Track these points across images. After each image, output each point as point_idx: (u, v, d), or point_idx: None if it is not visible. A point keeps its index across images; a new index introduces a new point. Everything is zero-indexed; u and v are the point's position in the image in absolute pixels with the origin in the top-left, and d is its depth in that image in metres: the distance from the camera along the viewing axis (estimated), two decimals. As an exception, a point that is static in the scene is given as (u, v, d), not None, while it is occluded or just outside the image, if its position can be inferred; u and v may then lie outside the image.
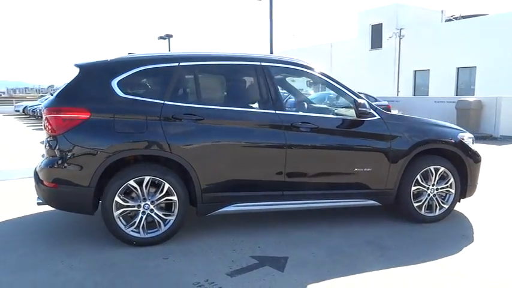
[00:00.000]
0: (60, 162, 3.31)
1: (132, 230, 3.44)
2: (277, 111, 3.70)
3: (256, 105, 3.78)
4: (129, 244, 3.44)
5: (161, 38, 34.69)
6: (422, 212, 4.14)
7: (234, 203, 3.66)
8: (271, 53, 21.80)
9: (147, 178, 3.41)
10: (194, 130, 3.50)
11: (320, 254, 3.36)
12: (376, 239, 3.71)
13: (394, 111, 14.79)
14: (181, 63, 3.63)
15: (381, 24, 28.42)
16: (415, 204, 4.11)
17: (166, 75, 3.58)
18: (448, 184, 4.19)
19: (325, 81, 4.04)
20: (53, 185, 3.35)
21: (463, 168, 4.24)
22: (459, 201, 4.48)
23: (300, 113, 3.93)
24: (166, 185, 3.45)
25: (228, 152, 3.59)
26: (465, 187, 4.28)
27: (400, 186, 4.05)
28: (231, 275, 2.96)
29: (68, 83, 3.47)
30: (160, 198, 3.46)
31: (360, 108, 3.79)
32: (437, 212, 4.19)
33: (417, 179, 4.07)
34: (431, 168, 4.11)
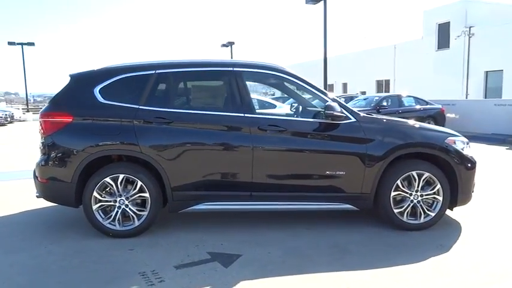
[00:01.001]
0: (49, 160, 3.78)
1: (109, 223, 3.79)
2: (245, 114, 3.84)
3: (225, 108, 3.94)
4: (106, 235, 3.80)
5: (224, 45, 35.99)
6: (405, 218, 3.98)
7: (204, 202, 3.86)
8: (325, 57, 21.61)
9: (121, 176, 3.75)
10: (163, 132, 3.77)
11: (275, 254, 3.42)
12: (344, 243, 3.66)
13: (450, 115, 13.95)
14: (157, 71, 3.94)
15: (448, 22, 26.61)
16: (396, 210, 3.97)
17: (144, 82, 3.90)
18: (435, 191, 3.98)
19: (299, 85, 4.09)
20: (45, 181, 3.83)
21: (453, 175, 3.99)
22: (451, 210, 4.22)
23: (268, 116, 4.02)
24: (139, 183, 3.76)
25: (196, 153, 3.80)
26: (456, 195, 4.03)
27: (379, 191, 3.94)
28: (178, 267, 3.16)
29: (59, 91, 3.95)
30: (134, 194, 3.78)
31: (326, 111, 3.78)
32: (422, 220, 4.00)
33: (397, 184, 3.92)
34: (414, 173, 3.93)
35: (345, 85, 36.53)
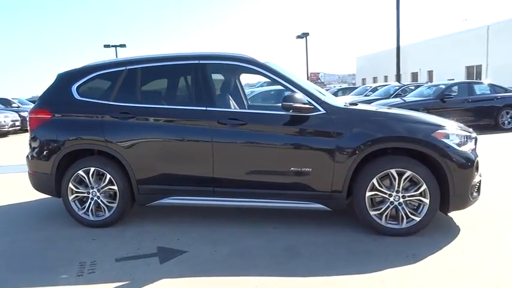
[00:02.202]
0: (33, 153, 4.11)
1: (83, 213, 4.00)
2: (207, 108, 3.73)
3: (188, 102, 3.86)
4: (82, 224, 4.02)
5: (299, 37, 35.63)
6: (383, 222, 3.53)
7: (169, 196, 3.86)
8: (398, 44, 20.17)
9: (92, 169, 3.92)
10: (127, 127, 3.84)
11: (221, 253, 3.28)
12: (301, 246, 3.37)
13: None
14: (127, 67, 4.02)
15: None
16: (373, 212, 3.53)
17: (115, 78, 4.01)
18: (419, 192, 3.45)
19: (268, 76, 3.83)
20: (32, 172, 4.18)
21: (443, 174, 3.42)
22: (445, 214, 3.63)
23: (230, 110, 3.83)
24: (108, 176, 3.90)
25: (159, 147, 3.81)
26: (447, 198, 3.45)
27: (352, 190, 3.55)
28: (119, 260, 3.21)
29: (45, 89, 4.25)
30: (104, 187, 3.93)
31: (283, 103, 3.50)
32: (405, 225, 3.50)
33: (373, 183, 3.49)
34: (393, 171, 3.45)
35: (430, 73, 33.64)
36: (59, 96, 4.11)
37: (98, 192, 3.94)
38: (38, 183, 4.17)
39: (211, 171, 3.73)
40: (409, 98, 11.88)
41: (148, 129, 3.82)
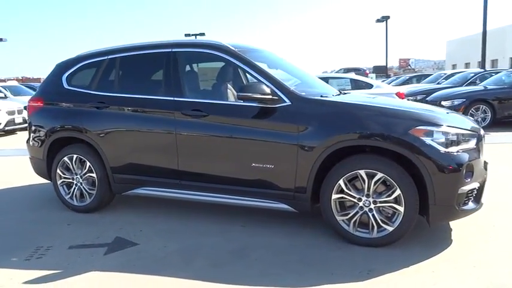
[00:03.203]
0: (30, 139, 4.38)
1: (69, 198, 4.17)
2: (175, 98, 3.61)
3: (159, 92, 3.74)
4: (68, 209, 4.20)
5: (378, 20, 33.56)
6: (351, 229, 3.10)
7: (141, 186, 3.84)
8: (484, 29, 17.94)
9: (74, 156, 4.06)
10: (102, 116, 3.88)
11: (167, 249, 3.17)
12: (253, 249, 3.11)
13: None
14: (109, 56, 4.05)
15: None
16: (340, 218, 3.13)
17: (98, 68, 4.07)
18: (392, 198, 2.96)
19: (238, 66, 3.54)
20: (31, 157, 4.47)
21: (422, 177, 2.89)
22: (429, 226, 3.07)
23: (193, 100, 3.61)
24: (88, 164, 4.01)
25: (131, 137, 3.79)
26: (427, 206, 2.91)
27: (318, 191, 3.17)
28: (72, 247, 3.27)
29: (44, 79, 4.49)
30: (85, 173, 4.05)
31: (238, 93, 3.20)
32: (375, 234, 3.04)
33: (340, 185, 3.07)
34: (362, 172, 3.00)
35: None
36: (52, 85, 4.30)
37: (81, 178, 4.08)
38: (35, 168, 4.45)
39: (176, 164, 3.62)
40: (478, 87, 10.49)
41: (120, 119, 3.83)
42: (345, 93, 4.11)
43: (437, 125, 2.92)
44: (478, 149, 3.07)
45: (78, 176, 4.08)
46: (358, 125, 3.03)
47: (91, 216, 4.01)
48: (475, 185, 2.99)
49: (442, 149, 2.85)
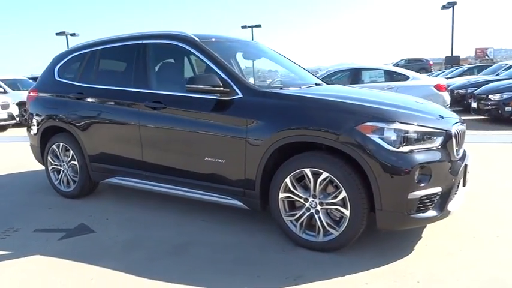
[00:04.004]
0: (28, 127, 4.68)
1: (58, 183, 4.41)
2: (141, 90, 3.62)
3: (129, 83, 3.74)
4: (58, 193, 4.43)
5: (444, 7, 31.24)
6: (298, 231, 2.91)
7: (115, 175, 3.94)
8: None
9: (61, 144, 4.27)
10: (80, 107, 4.02)
11: (117, 239, 3.20)
12: (195, 245, 3.04)
13: None
14: (92, 49, 4.17)
15: None
16: (287, 218, 2.95)
17: (82, 60, 4.21)
18: (338, 200, 2.72)
19: (197, 56, 3.44)
20: (30, 144, 4.77)
21: (368, 179, 2.62)
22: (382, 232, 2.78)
23: (155, 91, 3.56)
24: (71, 152, 4.19)
25: (103, 127, 3.88)
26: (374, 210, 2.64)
27: (267, 189, 3.01)
28: (36, 230, 3.44)
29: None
30: (69, 161, 4.24)
31: (186, 85, 3.11)
32: (321, 238, 2.82)
33: (286, 184, 2.89)
34: (307, 171, 2.79)
35: None
36: (46, 76, 4.54)
37: (67, 166, 4.28)
38: (34, 154, 4.74)
39: (141, 155, 3.65)
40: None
41: (95, 110, 3.94)
42: (331, 85, 3.87)
43: (389, 122, 2.61)
44: (444, 150, 2.71)
45: (65, 164, 4.29)
46: (304, 119, 2.81)
47: (74, 202, 4.20)
48: (435, 190, 2.64)
49: (391, 148, 2.54)
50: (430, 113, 2.93)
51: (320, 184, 2.76)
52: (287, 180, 2.87)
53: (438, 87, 8.88)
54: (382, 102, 2.93)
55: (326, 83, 4.27)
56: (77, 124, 4.04)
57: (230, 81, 3.13)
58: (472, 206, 3.62)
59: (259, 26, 39.27)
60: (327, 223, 2.78)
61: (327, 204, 2.77)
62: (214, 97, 3.17)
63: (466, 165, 2.96)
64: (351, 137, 2.61)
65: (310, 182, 2.80)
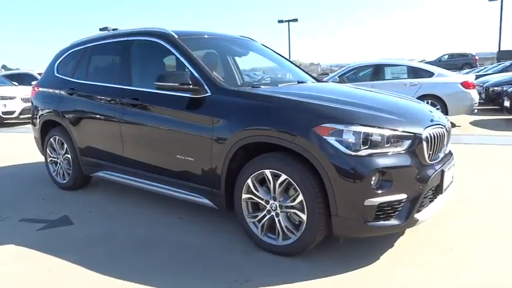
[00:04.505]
0: (32, 120, 4.89)
1: (55, 175, 4.58)
2: (123, 86, 3.67)
3: (114, 80, 3.78)
4: (56, 185, 4.61)
5: (492, -1, 29.42)
6: (259, 233, 2.85)
7: (102, 169, 4.03)
8: None
9: (57, 137, 4.43)
10: (72, 102, 4.14)
11: (89, 232, 3.27)
12: (157, 243, 3.04)
13: None
14: (85, 45, 4.28)
15: None
16: (249, 220, 2.89)
17: (77, 56, 4.33)
18: (296, 203, 2.62)
19: (174, 54, 3.40)
20: (34, 136, 4.98)
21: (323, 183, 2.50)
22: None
23: (134, 88, 3.56)
24: (65, 145, 4.34)
25: (90, 122, 3.98)
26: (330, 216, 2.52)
27: (232, 189, 2.96)
28: (22, 220, 3.60)
29: (48, 66, 4.93)
30: (64, 154, 4.39)
31: (154, 82, 3.09)
32: (281, 242, 2.74)
33: (248, 185, 2.83)
34: (268, 172, 2.71)
35: None
36: (48, 72, 4.72)
37: (62, 158, 4.44)
38: (37, 146, 4.96)
39: (121, 150, 3.71)
40: None
41: (83, 105, 4.04)
42: (321, 83, 3.75)
43: (349, 124, 2.47)
44: (412, 154, 2.54)
45: (60, 156, 4.45)
46: (262, 119, 2.73)
47: (67, 194, 4.35)
48: (398, 197, 2.47)
49: (348, 152, 2.41)
50: (402, 114, 2.75)
51: (279, 186, 2.67)
52: (249, 181, 2.81)
53: (465, 84, 8.37)
54: (350, 103, 2.78)
55: (318, 80, 4.14)
56: (69, 119, 4.17)
57: (201, 79, 3.10)
58: (464, 214, 3.39)
59: (295, 20, 38.87)
60: (286, 227, 2.70)
61: (286, 207, 2.68)
62: (187, 95, 3.14)
63: (443, 171, 2.76)
64: (306, 139, 2.50)
65: (270, 183, 2.72)
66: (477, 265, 2.58)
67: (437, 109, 8.33)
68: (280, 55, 4.42)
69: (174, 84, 3.05)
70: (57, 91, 4.37)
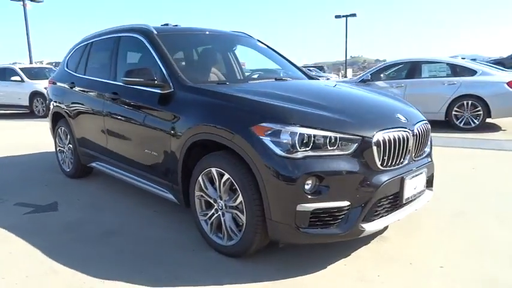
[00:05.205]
0: (46, 111, 5.24)
1: (62, 163, 4.89)
2: (109, 81, 3.81)
3: (105, 75, 3.91)
4: (63, 173, 4.92)
5: None
6: (209, 232, 2.82)
7: (95, 160, 4.23)
8: None
9: (63, 128, 4.71)
10: (70, 94, 4.40)
11: (63, 220, 3.44)
12: (120, 235, 3.11)
13: None
14: (88, 41, 4.49)
15: None
16: (201, 217, 2.88)
17: (80, 52, 4.57)
18: (237, 203, 2.56)
19: (151, 54, 3.40)
20: (49, 127, 5.33)
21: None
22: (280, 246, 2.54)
23: (114, 83, 3.66)
24: (69, 135, 4.61)
25: (84, 115, 4.19)
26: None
27: (187, 186, 2.96)
28: (17, 204, 3.87)
29: (63, 62, 5.24)
30: (68, 144, 4.67)
31: (122, 77, 3.15)
32: (226, 242, 2.69)
33: (199, 182, 2.81)
34: (214, 170, 2.68)
35: None
36: (60, 67, 5.03)
37: (67, 148, 4.73)
38: (52, 136, 5.32)
39: (106, 143, 3.86)
40: None
41: (79, 98, 4.26)
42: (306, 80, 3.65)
43: (287, 124, 2.34)
44: (359, 159, 2.36)
45: (65, 146, 4.74)
46: (211, 116, 2.68)
47: (70, 182, 4.63)
48: (338, 204, 2.31)
49: (281, 153, 2.29)
50: (356, 115, 2.56)
51: (224, 185, 2.62)
52: (200, 178, 2.79)
53: (511, 84, 7.58)
54: (305, 102, 2.63)
55: (312, 78, 3.98)
56: (69, 111, 4.42)
57: (167, 76, 3.12)
58: (450, 228, 3.10)
59: (354, 15, 37.65)
60: (230, 227, 2.64)
61: (230, 207, 2.62)
62: (157, 91, 3.17)
63: (402, 179, 2.53)
64: (244, 138, 2.42)
65: (216, 182, 2.67)
66: (432, 285, 2.34)
67: (478, 111, 7.67)
68: (276, 52, 4.31)
69: (140, 79, 3.10)
70: (63, 85, 4.65)
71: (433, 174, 3.04)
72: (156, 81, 3.08)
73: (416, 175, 2.67)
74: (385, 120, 2.58)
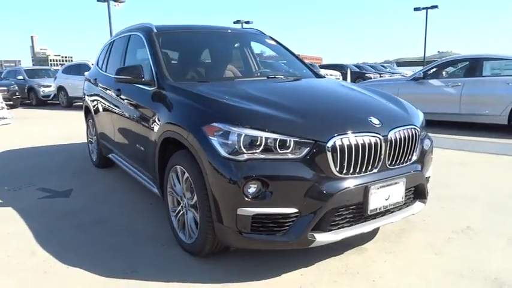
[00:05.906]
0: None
1: (91, 153, 5.28)
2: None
3: (114, 71, 4.11)
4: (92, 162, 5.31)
5: None
6: (177, 228, 2.85)
7: (112, 152, 4.49)
8: None
9: (90, 120, 5.08)
10: (94, 90, 4.69)
11: (68, 208, 3.68)
12: (107, 226, 3.27)
13: None
14: (111, 40, 4.76)
15: None
16: (171, 213, 2.93)
17: (106, 50, 4.86)
18: (193, 202, 2.56)
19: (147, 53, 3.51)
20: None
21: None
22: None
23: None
24: (94, 128, 4.95)
25: (101, 109, 4.45)
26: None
27: (162, 182, 3.03)
28: (39, 189, 4.26)
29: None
30: (94, 135, 5.02)
31: (114, 75, 3.28)
32: (187, 239, 2.71)
33: (170, 178, 2.86)
34: (178, 168, 2.70)
35: None
36: (94, 64, 5.40)
37: (94, 139, 5.09)
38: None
39: (114, 137, 4.08)
40: None
41: (98, 93, 4.54)
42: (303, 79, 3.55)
43: (235, 125, 2.27)
44: (311, 164, 2.22)
45: (92, 137, 5.10)
46: (176, 115, 2.70)
47: (96, 171, 4.98)
48: (283, 211, 2.19)
49: (224, 154, 2.23)
50: (316, 117, 2.40)
51: (185, 183, 2.63)
52: (170, 175, 2.83)
53: None
54: (268, 102, 2.53)
55: (321, 76, 3.82)
56: (92, 105, 4.75)
57: (154, 74, 3.20)
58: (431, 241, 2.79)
59: (435, 7, 35.11)
60: (190, 225, 2.65)
61: (191, 206, 2.62)
62: (148, 88, 3.27)
63: (366, 188, 2.32)
64: (195, 138, 2.40)
65: (180, 179, 2.70)
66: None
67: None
68: (286, 49, 4.20)
69: (128, 77, 3.22)
70: (91, 81, 4.99)
71: (422, 184, 2.73)
72: (143, 79, 3.18)
73: (388, 185, 2.42)
74: (349, 124, 2.38)
